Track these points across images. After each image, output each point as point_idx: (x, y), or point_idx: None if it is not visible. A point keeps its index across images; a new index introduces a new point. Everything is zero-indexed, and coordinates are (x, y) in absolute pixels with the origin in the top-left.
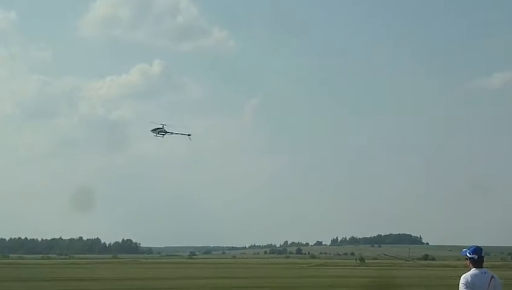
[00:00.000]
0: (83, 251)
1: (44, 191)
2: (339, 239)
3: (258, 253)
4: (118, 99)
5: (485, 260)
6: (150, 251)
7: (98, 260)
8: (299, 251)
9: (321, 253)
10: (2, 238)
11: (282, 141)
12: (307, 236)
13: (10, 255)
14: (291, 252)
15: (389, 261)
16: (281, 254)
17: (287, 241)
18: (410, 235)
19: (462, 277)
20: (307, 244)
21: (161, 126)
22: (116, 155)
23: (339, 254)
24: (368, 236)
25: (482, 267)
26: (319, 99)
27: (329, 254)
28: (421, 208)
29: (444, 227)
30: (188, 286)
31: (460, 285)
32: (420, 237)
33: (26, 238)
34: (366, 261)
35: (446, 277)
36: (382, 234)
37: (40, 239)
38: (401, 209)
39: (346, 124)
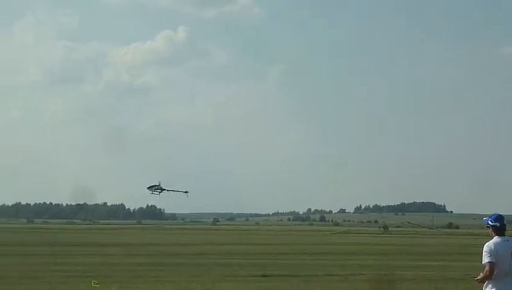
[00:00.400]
0: (107, 217)
1: (69, 156)
2: (363, 207)
3: (281, 220)
4: (143, 66)
5: (508, 228)
6: (174, 217)
7: (122, 226)
8: (322, 219)
9: (344, 221)
10: (27, 203)
11: (306, 109)
12: (331, 204)
13: (35, 220)
14: (314, 220)
15: (413, 229)
16: (304, 221)
17: (310, 209)
18: (434, 203)
19: (485, 245)
20: (330, 211)
21: (157, 183)
22: (140, 121)
23: (362, 222)
24: (392, 204)
25: (505, 235)
26: (344, 66)
27: (353, 221)
28: (445, 176)
29: (468, 195)
30: (212, 251)
31: (484, 253)
32: (444, 206)
33: (51, 203)
34: (389, 229)
35: (469, 245)
36: (406, 202)
37: (64, 204)
38: (425, 178)
39: (370, 91)
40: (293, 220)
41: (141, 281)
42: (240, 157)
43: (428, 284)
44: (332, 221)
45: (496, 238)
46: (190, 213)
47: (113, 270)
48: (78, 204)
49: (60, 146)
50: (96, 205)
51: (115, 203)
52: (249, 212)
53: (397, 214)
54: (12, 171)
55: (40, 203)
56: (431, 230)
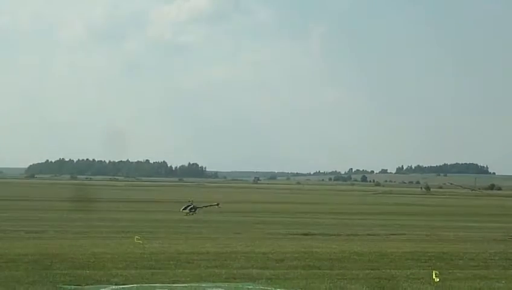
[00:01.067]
0: (149, 174)
1: (113, 113)
2: (404, 167)
3: (322, 180)
4: (186, 23)
5: None
6: (215, 175)
7: (165, 183)
8: (363, 179)
9: (386, 181)
10: (70, 160)
11: (350, 68)
12: (372, 164)
13: (78, 176)
14: (355, 180)
15: (455, 190)
16: (345, 181)
17: (351, 169)
18: (477, 164)
19: None
20: (372, 172)
21: (190, 203)
22: (184, 78)
23: (404, 182)
24: (434, 165)
25: None
26: (387, 26)
27: (394, 182)
28: (488, 138)
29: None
30: (253, 210)
31: None
32: (487, 167)
33: (94, 160)
34: (431, 189)
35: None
36: (448, 163)
37: (107, 161)
38: (468, 139)
39: (415, 52)
40: (334, 180)
41: (183, 237)
42: (282, 116)
43: (470, 245)
44: (373, 181)
45: None
46: (232, 172)
47: (155, 227)
48: (121, 161)
49: (103, 104)
50: (139, 162)
51: (157, 161)
52: (290, 172)
53: (439, 175)
54: (56, 127)
55: (83, 159)
56: (473, 191)
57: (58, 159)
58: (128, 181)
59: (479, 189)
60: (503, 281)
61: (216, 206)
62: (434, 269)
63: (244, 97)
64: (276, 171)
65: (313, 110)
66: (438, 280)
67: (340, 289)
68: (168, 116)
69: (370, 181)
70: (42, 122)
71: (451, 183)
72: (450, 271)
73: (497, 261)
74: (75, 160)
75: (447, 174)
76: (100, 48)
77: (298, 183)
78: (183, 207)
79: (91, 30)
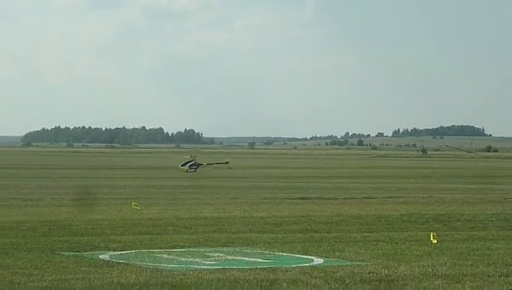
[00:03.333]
0: (146, 140)
1: (107, 80)
2: (401, 130)
3: (319, 144)
4: None
5: None
6: (212, 141)
7: (161, 150)
8: (360, 142)
9: (382, 144)
10: (66, 127)
11: (345, 33)
12: (369, 127)
13: (74, 143)
14: (352, 144)
15: (451, 152)
16: (342, 145)
17: (348, 133)
18: (473, 126)
19: None
20: (368, 135)
21: (192, 159)
22: (178, 46)
23: (401, 146)
24: (430, 128)
25: None
26: None
27: (391, 145)
28: (484, 99)
29: (508, 118)
30: (250, 175)
31: None
32: (483, 129)
33: (90, 127)
34: (427, 152)
35: (508, 168)
36: (444, 126)
37: (103, 128)
38: (464, 100)
39: (411, 16)
40: (330, 144)
41: (180, 203)
42: (278, 82)
43: (467, 206)
44: (370, 145)
45: None
46: (228, 137)
47: (153, 193)
48: (117, 128)
49: (97, 70)
50: (135, 128)
51: (153, 127)
52: (286, 137)
53: (435, 138)
54: (51, 94)
55: (79, 127)
56: (469, 153)
57: (54, 126)
58: (125, 148)
59: (476, 151)
60: (501, 242)
61: (225, 164)
62: (432, 231)
63: (240, 63)
64: (272, 137)
65: (309, 75)
66: (435, 241)
67: (339, 252)
68: (163, 83)
69: (366, 145)
70: (37, 90)
71: (447, 146)
72: (448, 233)
73: (495, 222)
74: (71, 127)
75: (443, 137)
76: (95, 14)
77: (295, 148)
78: (183, 163)
79: None
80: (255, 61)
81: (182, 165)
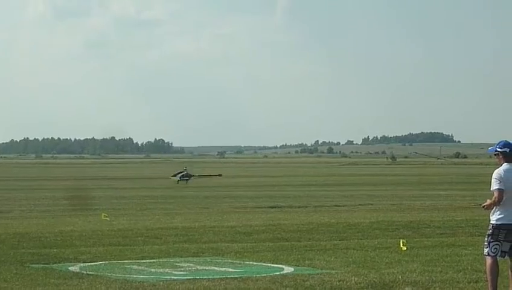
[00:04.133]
0: (115, 151)
1: (76, 91)
2: (370, 138)
3: (289, 152)
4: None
5: None
6: (182, 150)
7: (131, 160)
8: (330, 150)
9: (352, 152)
10: (35, 139)
11: (315, 41)
12: (338, 135)
13: (43, 155)
14: (322, 152)
15: (420, 159)
16: (312, 154)
17: (318, 141)
18: (442, 133)
19: (494, 172)
20: (338, 143)
21: (184, 170)
22: (149, 54)
23: (370, 153)
24: (399, 135)
25: None
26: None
27: (361, 153)
28: (453, 106)
29: (477, 125)
30: (220, 184)
31: (493, 180)
32: (452, 135)
33: (59, 138)
34: (397, 159)
35: (477, 174)
36: (413, 133)
37: (73, 139)
38: (433, 107)
39: (379, 23)
40: (300, 152)
41: (150, 213)
42: (248, 90)
43: (437, 213)
44: (340, 153)
45: (505, 165)
46: (198, 147)
47: (123, 203)
48: (86, 139)
49: (67, 81)
50: (104, 139)
51: (122, 138)
52: (257, 145)
53: (405, 145)
54: (20, 106)
55: (48, 138)
56: (439, 160)
57: (22, 138)
58: (94, 159)
59: (445, 158)
60: (470, 248)
61: (218, 176)
62: (401, 238)
63: (210, 72)
64: (242, 145)
65: (278, 84)
66: (405, 248)
67: (309, 260)
68: (133, 93)
69: (336, 152)
70: (6, 102)
71: (416, 153)
72: (417, 239)
73: (464, 229)
74: (40, 139)
75: (413, 144)
76: (63, 24)
77: (265, 156)
78: (174, 173)
79: (54, 7)
80: (224, 70)
81: (173, 176)
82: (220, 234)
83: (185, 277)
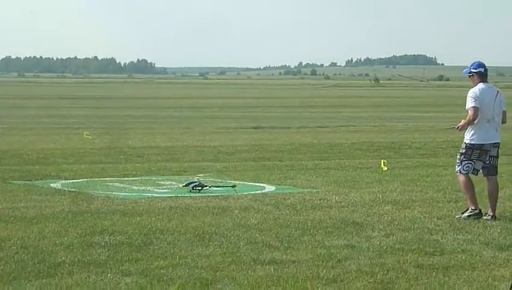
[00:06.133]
0: (98, 71)
1: (59, 10)
2: (354, 60)
3: (272, 74)
4: None
5: (499, 80)
6: (164, 71)
7: (113, 80)
8: (313, 72)
9: (335, 74)
10: (17, 57)
11: None
12: (322, 57)
13: (25, 73)
14: (305, 73)
15: (404, 81)
16: (295, 75)
17: (301, 63)
18: (425, 55)
19: (470, 91)
20: (322, 65)
21: (196, 180)
22: None
23: (354, 75)
24: (383, 57)
25: (488, 82)
26: None
27: (344, 75)
28: (436, 27)
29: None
30: (203, 105)
31: (469, 98)
32: (435, 58)
33: (41, 57)
34: (380, 81)
35: (460, 96)
36: (397, 55)
37: (55, 58)
38: (416, 30)
39: None
40: (284, 74)
41: (133, 132)
42: (230, 10)
43: (418, 134)
44: (323, 74)
45: (480, 85)
46: (181, 67)
47: (105, 123)
48: (69, 58)
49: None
50: (87, 58)
51: (105, 57)
52: (240, 67)
53: (388, 67)
54: (2, 24)
55: (30, 56)
56: (422, 82)
57: (4, 56)
58: (77, 78)
59: (428, 80)
60: (451, 169)
61: (231, 187)
62: (382, 158)
63: None
64: (226, 67)
65: (261, 4)
66: (386, 168)
67: (290, 179)
68: (115, 12)
69: (320, 74)
70: None
71: (400, 75)
72: (398, 160)
73: (445, 150)
74: (22, 57)
75: (396, 66)
76: None
77: (248, 78)
78: (186, 183)
79: None
80: None
81: (184, 186)
82: (203, 154)
83: (167, 195)
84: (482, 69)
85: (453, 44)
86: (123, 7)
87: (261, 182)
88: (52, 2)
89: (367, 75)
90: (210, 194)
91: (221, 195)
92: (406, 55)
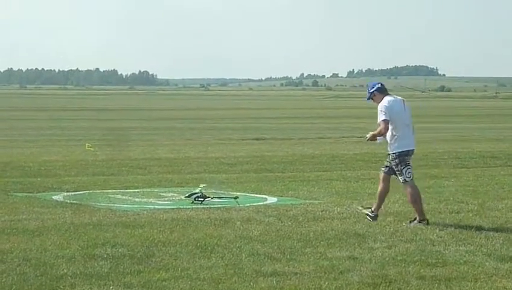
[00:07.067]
0: (99, 82)
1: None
2: (355, 71)
3: (274, 85)
4: None
5: (501, 91)
6: (166, 82)
7: (115, 91)
8: (315, 84)
9: (337, 85)
10: (19, 69)
11: None
12: (323, 68)
13: (27, 85)
14: (307, 85)
15: (405, 92)
16: (297, 86)
17: (303, 74)
18: (427, 66)
19: (379, 105)
20: (323, 76)
21: (199, 191)
22: None
23: (355, 86)
24: (385, 68)
25: (390, 94)
26: None
27: (345, 86)
28: (438, 38)
29: (462, 58)
30: (205, 116)
31: (380, 112)
32: (437, 69)
33: (43, 69)
34: None
35: (461, 107)
36: (398, 66)
37: (57, 70)
38: (418, 41)
39: None
40: (285, 85)
41: (135, 144)
42: (232, 21)
43: (420, 145)
44: (325, 85)
45: (386, 97)
46: (183, 79)
47: (107, 135)
48: (70, 70)
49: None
50: (89, 70)
51: (107, 69)
52: (241, 78)
53: (390, 78)
54: (3, 36)
55: (32, 68)
56: (423, 93)
57: (6, 68)
58: (78, 90)
59: (429, 91)
60: (453, 180)
61: (234, 199)
62: None
63: (196, 2)
64: (227, 78)
65: (262, 14)
66: None
67: (292, 191)
68: (117, 24)
69: (321, 86)
70: None
71: (401, 86)
72: None
73: (447, 161)
74: (24, 69)
75: (398, 77)
76: None
77: (250, 89)
78: (188, 194)
79: None
80: (210, 1)
81: (186, 197)
82: (204, 165)
83: (169, 207)
84: (379, 85)
85: (454, 55)
86: (124, 19)
87: (263, 194)
88: (54, 14)
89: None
90: (212, 206)
91: (223, 206)
92: (407, 66)
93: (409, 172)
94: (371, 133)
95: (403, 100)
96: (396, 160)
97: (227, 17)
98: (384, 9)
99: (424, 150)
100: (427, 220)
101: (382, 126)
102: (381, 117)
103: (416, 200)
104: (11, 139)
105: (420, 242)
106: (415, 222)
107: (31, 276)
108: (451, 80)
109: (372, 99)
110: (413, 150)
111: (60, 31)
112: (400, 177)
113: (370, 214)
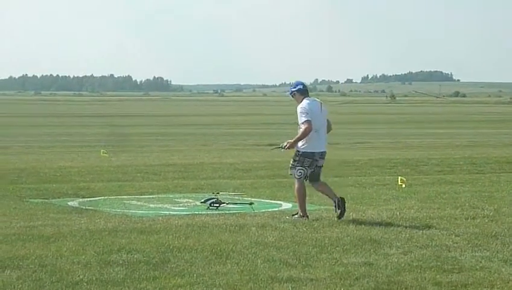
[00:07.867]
0: (114, 88)
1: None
2: (370, 77)
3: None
4: None
5: None
6: (181, 88)
7: (130, 97)
8: (329, 89)
9: (351, 91)
10: (33, 75)
11: None
12: (338, 74)
13: (42, 92)
14: (321, 90)
15: (420, 98)
16: (311, 92)
17: (317, 79)
18: (441, 72)
19: (298, 107)
20: (338, 82)
21: (214, 196)
22: None
23: (370, 92)
24: (399, 73)
25: (310, 97)
26: None
27: (360, 91)
28: (452, 44)
29: (476, 63)
30: (219, 122)
31: (300, 114)
32: (451, 74)
33: (58, 76)
34: (396, 98)
35: (476, 113)
36: (413, 71)
37: (71, 76)
38: (433, 46)
39: None
40: None
41: (149, 150)
42: (247, 27)
43: (434, 151)
44: (339, 91)
45: (306, 100)
46: (197, 85)
47: (122, 141)
48: (85, 76)
49: (67, 19)
50: (103, 76)
51: (121, 75)
52: (255, 84)
53: (404, 84)
54: (19, 42)
55: (47, 75)
56: (438, 99)
57: (21, 75)
58: (93, 96)
59: (444, 96)
60: (468, 185)
61: (249, 205)
62: (399, 175)
63: (209, 9)
64: (242, 84)
65: (276, 20)
66: (403, 185)
67: (307, 197)
68: (132, 30)
69: (335, 91)
70: (5, 38)
71: (416, 92)
72: (416, 177)
73: (462, 166)
74: (38, 76)
75: (412, 83)
76: None
77: (264, 94)
78: (204, 199)
79: None
80: (224, 7)
81: (202, 202)
82: (219, 171)
83: (184, 212)
84: (301, 86)
85: (469, 60)
86: (138, 25)
87: (277, 200)
88: (69, 20)
89: (383, 91)
90: (227, 212)
91: (238, 212)
92: (421, 71)
93: (300, 172)
94: (289, 141)
95: (321, 103)
96: (297, 157)
97: (242, 23)
98: (399, 15)
99: (440, 156)
100: (308, 217)
101: (307, 126)
102: (303, 118)
103: (300, 195)
104: (26, 146)
105: (436, 248)
106: (296, 216)
107: (47, 282)
108: (466, 85)
109: (292, 97)
110: (321, 153)
111: (74, 37)
112: (290, 171)
113: (297, 216)
